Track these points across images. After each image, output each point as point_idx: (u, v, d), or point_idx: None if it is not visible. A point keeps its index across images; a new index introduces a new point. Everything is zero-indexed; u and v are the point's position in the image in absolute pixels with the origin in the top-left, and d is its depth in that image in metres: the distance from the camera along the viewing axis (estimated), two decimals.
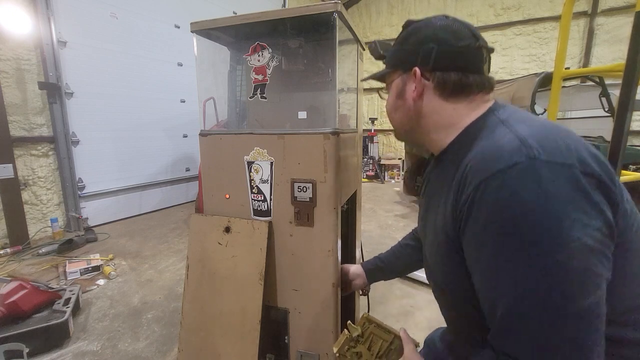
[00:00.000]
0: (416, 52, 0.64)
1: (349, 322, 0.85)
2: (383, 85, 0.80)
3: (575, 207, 0.44)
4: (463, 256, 0.56)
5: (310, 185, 0.98)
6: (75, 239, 3.24)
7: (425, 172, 0.84)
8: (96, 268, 2.70)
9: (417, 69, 0.63)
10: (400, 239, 1.06)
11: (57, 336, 1.80)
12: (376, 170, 7.33)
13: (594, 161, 0.48)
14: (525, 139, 0.50)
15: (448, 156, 0.65)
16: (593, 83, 3.63)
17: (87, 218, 3.80)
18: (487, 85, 0.64)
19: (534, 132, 0.51)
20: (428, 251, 0.71)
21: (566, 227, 0.44)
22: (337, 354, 0.83)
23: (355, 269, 1.08)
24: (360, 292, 1.29)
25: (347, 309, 1.35)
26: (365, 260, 1.10)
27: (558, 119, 2.77)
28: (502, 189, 0.47)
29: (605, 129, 3.60)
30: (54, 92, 3.44)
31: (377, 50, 0.79)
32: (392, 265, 1.04)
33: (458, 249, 0.57)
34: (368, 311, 1.32)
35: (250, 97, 1.10)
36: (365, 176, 7.31)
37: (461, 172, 0.55)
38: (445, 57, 0.61)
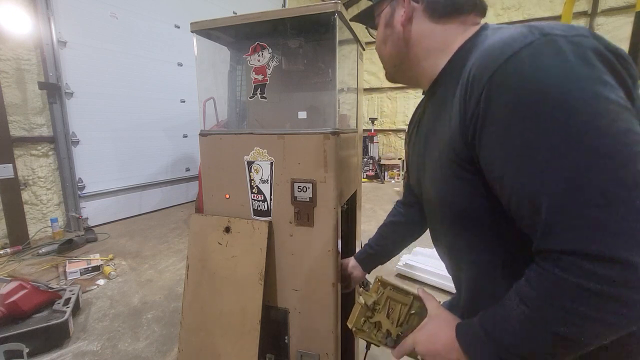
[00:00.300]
0: None
1: (361, 289, 0.75)
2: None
3: (602, 72, 0.41)
4: (476, 172, 0.52)
5: (310, 185, 0.98)
6: (75, 239, 3.24)
7: (416, 116, 0.81)
8: (96, 268, 2.71)
9: None
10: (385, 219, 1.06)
11: (57, 336, 1.81)
12: (376, 170, 7.33)
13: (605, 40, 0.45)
14: (532, 25, 0.47)
15: (443, 80, 0.61)
16: None
17: (87, 218, 3.80)
18: (479, 6, 0.61)
19: (538, 23, 0.48)
20: (431, 186, 0.64)
21: (599, 90, 0.40)
22: (354, 329, 0.75)
23: (352, 262, 1.09)
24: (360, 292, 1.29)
25: (347, 309, 1.35)
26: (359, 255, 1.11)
27: None
28: (522, 68, 0.43)
29: None
30: (54, 92, 3.44)
31: None
32: (383, 247, 1.04)
33: (469, 165, 0.52)
34: None
35: (250, 97, 1.10)
36: (365, 176, 7.31)
37: (464, 79, 0.51)
38: None
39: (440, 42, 0.61)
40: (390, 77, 0.76)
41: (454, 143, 0.53)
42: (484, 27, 0.59)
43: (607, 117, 0.39)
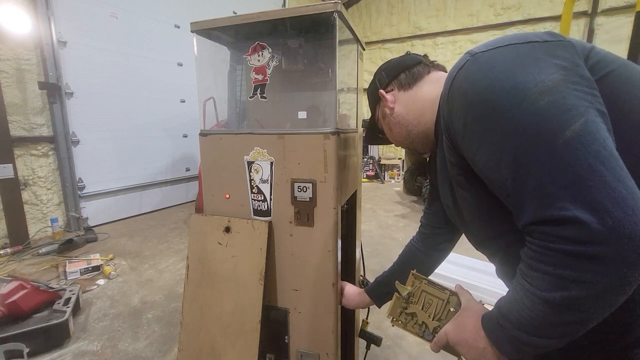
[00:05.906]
0: (374, 85, 0.87)
1: (397, 282, 0.80)
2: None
3: (527, 63, 0.48)
4: (476, 175, 0.58)
5: (310, 185, 0.98)
6: (75, 238, 3.24)
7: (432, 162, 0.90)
8: (96, 268, 2.71)
9: (380, 90, 0.84)
10: (400, 253, 1.05)
11: (57, 336, 1.81)
12: (376, 170, 7.33)
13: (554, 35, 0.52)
14: (470, 50, 0.57)
15: (440, 125, 0.69)
16: None
17: (87, 218, 3.80)
18: (430, 64, 0.80)
19: (483, 44, 0.57)
20: (461, 206, 0.69)
21: (520, 85, 0.47)
22: (392, 319, 0.79)
23: (357, 291, 1.08)
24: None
25: (347, 309, 1.34)
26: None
27: None
28: (461, 84, 0.54)
29: None
30: (54, 92, 3.44)
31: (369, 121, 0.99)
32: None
33: (469, 171, 0.59)
34: (368, 313, 1.32)
35: (250, 97, 1.10)
36: (365, 176, 7.31)
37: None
38: (391, 71, 0.83)
39: (424, 99, 0.77)
40: (412, 152, 0.86)
41: (452, 159, 0.63)
42: None
43: (531, 99, 0.45)
